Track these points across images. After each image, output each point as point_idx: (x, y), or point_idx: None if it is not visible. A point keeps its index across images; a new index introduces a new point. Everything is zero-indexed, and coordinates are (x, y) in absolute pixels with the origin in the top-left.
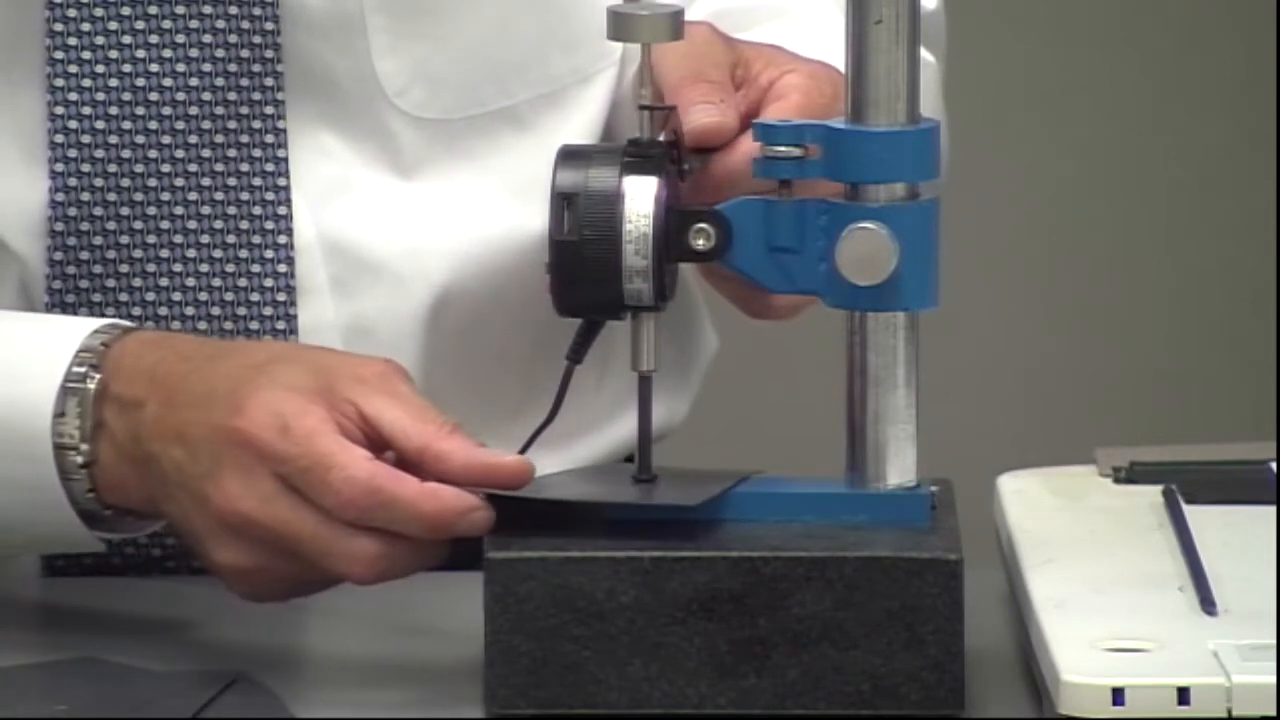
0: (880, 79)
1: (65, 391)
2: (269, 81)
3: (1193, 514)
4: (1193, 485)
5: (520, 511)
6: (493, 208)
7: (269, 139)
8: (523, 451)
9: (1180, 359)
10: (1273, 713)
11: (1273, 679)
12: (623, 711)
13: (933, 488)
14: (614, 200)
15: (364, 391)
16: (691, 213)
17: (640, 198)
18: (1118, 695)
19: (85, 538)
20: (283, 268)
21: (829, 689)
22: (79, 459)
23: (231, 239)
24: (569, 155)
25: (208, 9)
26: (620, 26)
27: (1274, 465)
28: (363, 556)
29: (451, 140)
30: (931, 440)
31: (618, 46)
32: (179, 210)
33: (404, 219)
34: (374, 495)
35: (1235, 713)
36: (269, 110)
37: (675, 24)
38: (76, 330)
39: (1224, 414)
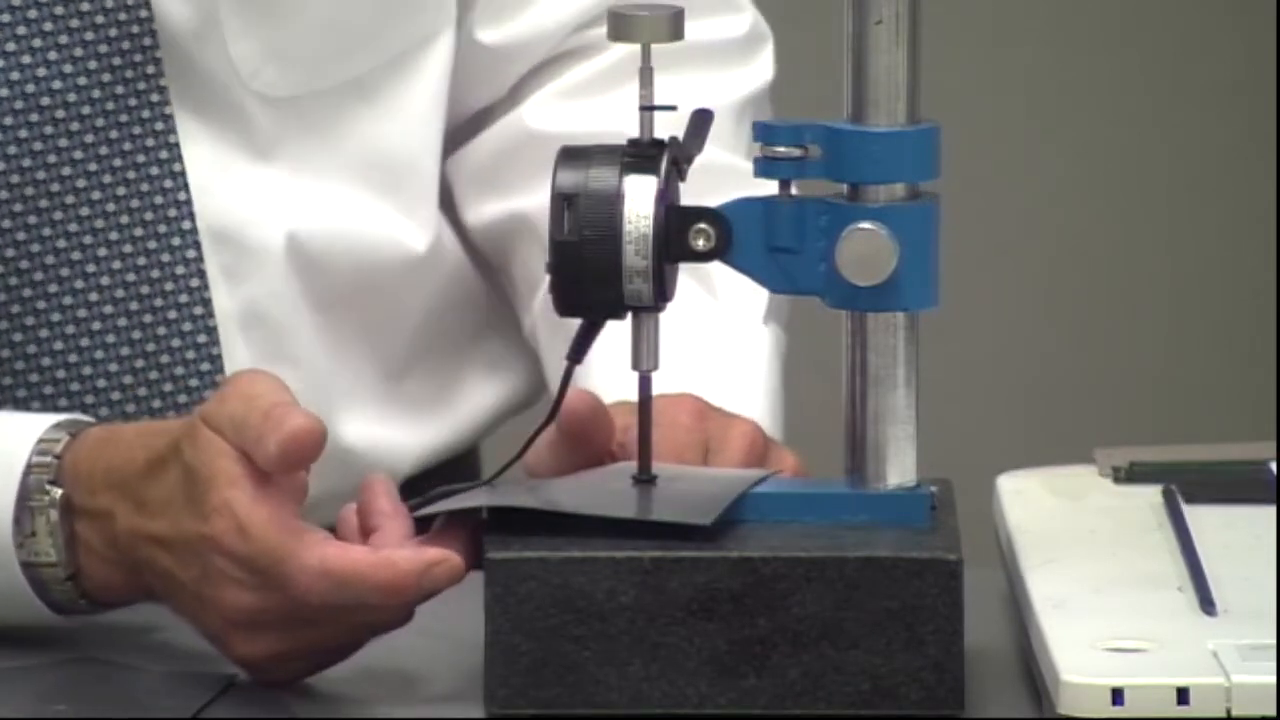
0: (880, 79)
1: (29, 511)
2: (150, 70)
3: (1192, 514)
4: (1192, 485)
5: (523, 518)
6: (347, 184)
7: (159, 126)
8: (522, 452)
9: (1180, 359)
10: (1272, 713)
11: (1272, 679)
12: (623, 711)
13: (933, 488)
14: (614, 200)
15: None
16: (691, 213)
17: (640, 198)
18: (1117, 695)
19: (55, 620)
20: (191, 253)
21: (829, 689)
22: (61, 573)
23: (139, 231)
24: (569, 155)
25: (85, 5)
26: (620, 27)
27: (1274, 465)
28: None
29: (303, 118)
30: (931, 440)
31: (453, 6)
32: (85, 212)
33: (270, 201)
34: (328, 578)
35: (1235, 713)
36: (154, 98)
37: (675, 24)
38: (22, 440)
39: (1224, 414)
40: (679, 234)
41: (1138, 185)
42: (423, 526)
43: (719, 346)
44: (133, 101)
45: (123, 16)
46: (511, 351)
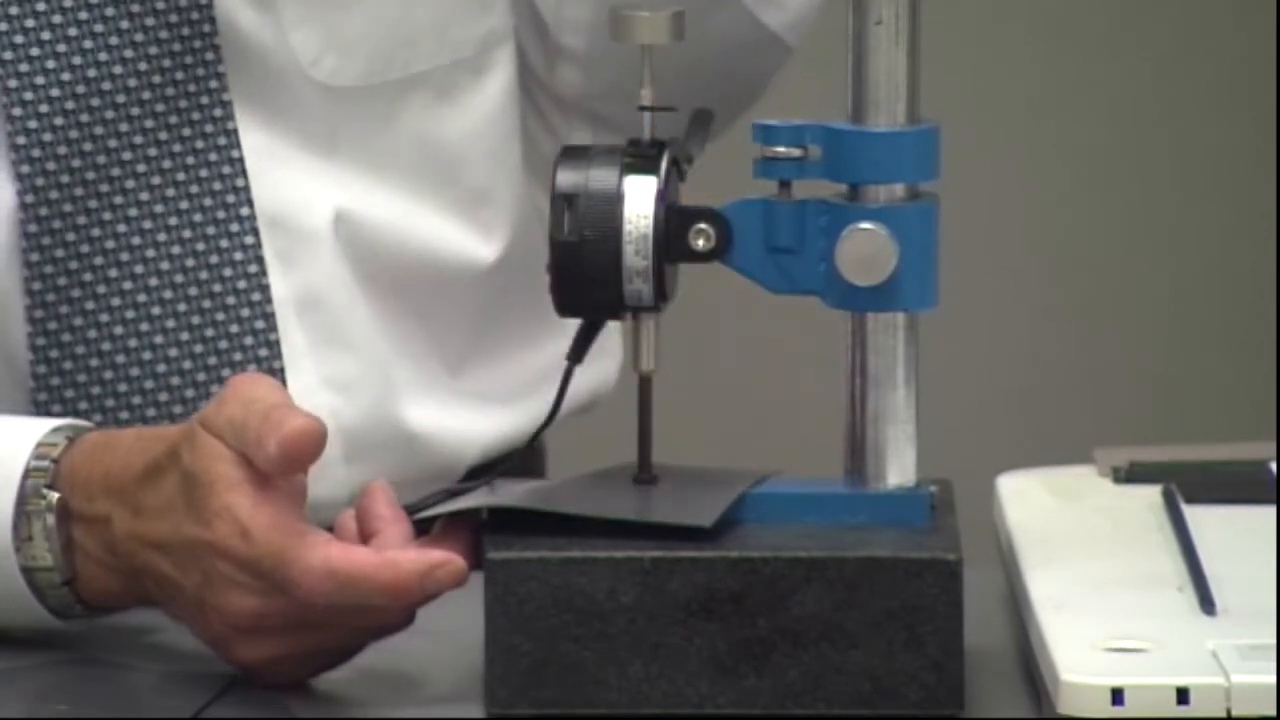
0: (880, 79)
1: (26, 515)
2: (209, 56)
3: (1192, 514)
4: (1192, 485)
5: (523, 519)
6: (402, 179)
7: (217, 113)
8: (530, 445)
9: (1180, 359)
10: (1272, 713)
11: (1272, 679)
12: (623, 711)
13: (932, 488)
14: (614, 201)
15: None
16: (692, 213)
17: (640, 198)
18: (1117, 695)
19: (56, 624)
20: (250, 239)
21: (829, 689)
22: (58, 577)
23: (198, 217)
24: (569, 155)
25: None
26: (620, 27)
27: (1274, 465)
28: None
29: (361, 109)
30: (931, 440)
31: (518, 9)
32: (144, 196)
33: (325, 189)
34: (332, 579)
35: (1235, 713)
36: (213, 84)
37: (675, 24)
38: (20, 444)
39: (1224, 414)
40: (679, 234)
41: (1138, 185)
42: (422, 530)
43: None
44: (192, 88)
45: (183, 2)
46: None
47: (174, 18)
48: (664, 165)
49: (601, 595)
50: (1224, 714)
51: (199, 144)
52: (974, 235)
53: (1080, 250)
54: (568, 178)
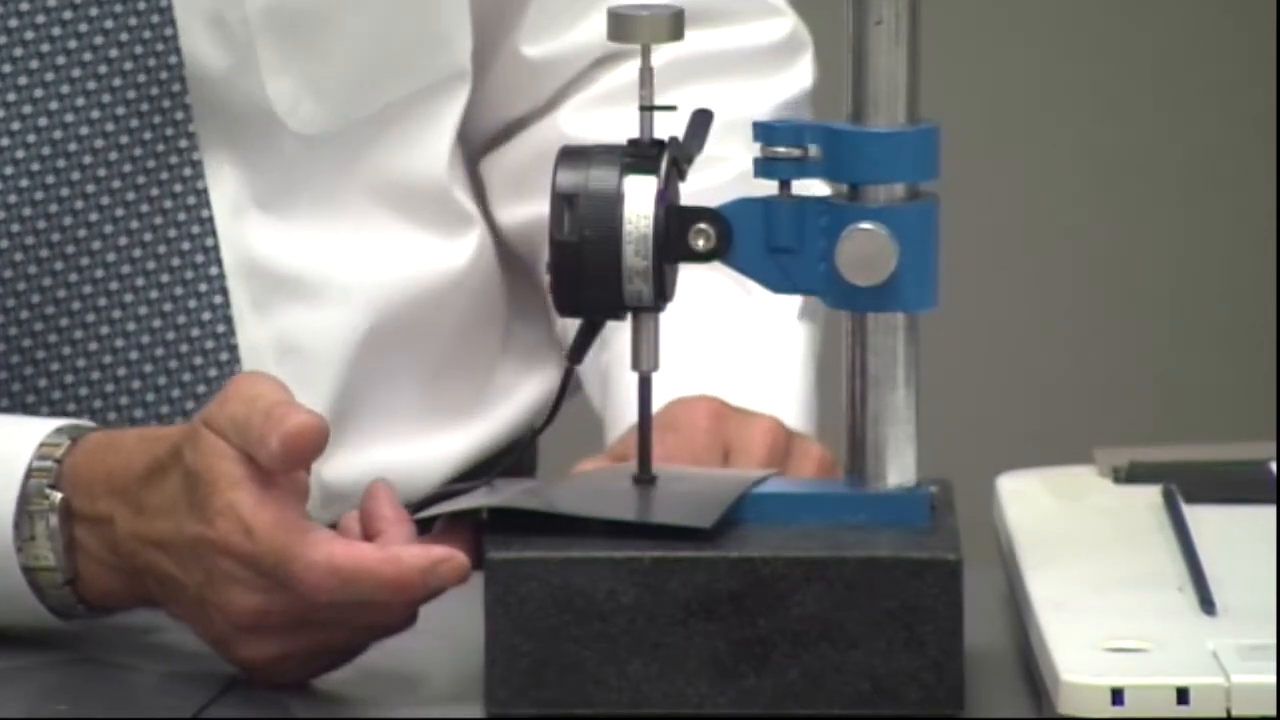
0: (880, 79)
1: (28, 515)
2: (179, 116)
3: (1192, 514)
4: (1192, 485)
5: (523, 519)
6: (378, 211)
7: (187, 172)
8: (525, 450)
9: (1180, 359)
10: (1272, 713)
11: (1272, 679)
12: (623, 711)
13: (932, 488)
14: (614, 201)
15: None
16: (691, 213)
17: (640, 198)
18: (1117, 695)
19: (56, 623)
20: (218, 298)
21: (829, 689)
22: (59, 577)
23: (165, 278)
24: (569, 156)
25: (113, 53)
26: (620, 27)
27: (1274, 465)
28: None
29: (335, 149)
30: (931, 440)
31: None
32: (110, 258)
33: (302, 232)
34: (336, 575)
35: (1235, 713)
36: (183, 144)
37: (675, 24)
38: (23, 444)
39: (1224, 414)
40: (679, 234)
41: (1138, 185)
42: (423, 530)
43: (752, 344)
44: (160, 148)
45: (151, 62)
46: (544, 346)
47: (142, 78)
48: (664, 165)
49: (601, 595)
50: (1224, 714)
51: (167, 204)
52: (974, 235)
53: (1080, 250)
54: (568, 178)
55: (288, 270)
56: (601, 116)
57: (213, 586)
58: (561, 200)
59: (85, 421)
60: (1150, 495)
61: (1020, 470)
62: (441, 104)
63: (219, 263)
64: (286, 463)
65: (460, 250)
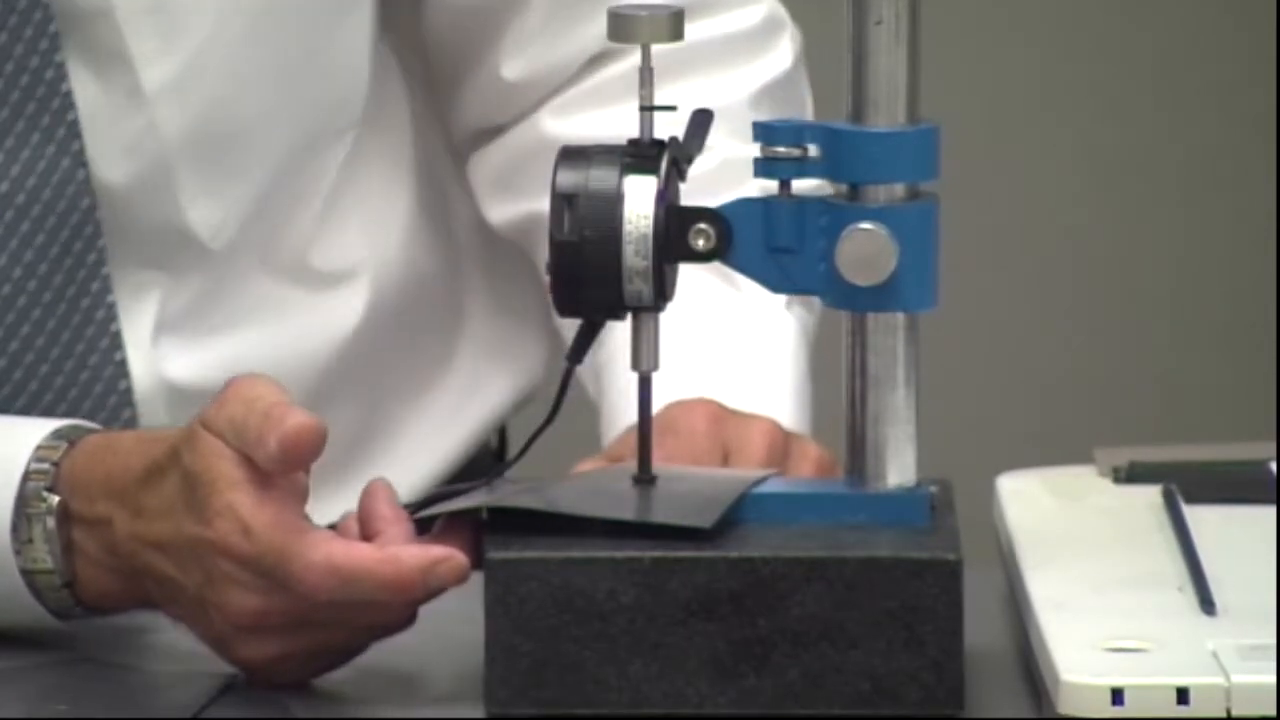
0: (880, 79)
1: (26, 518)
2: (92, 258)
3: (1192, 514)
4: (1192, 485)
5: (523, 519)
6: (280, 295)
7: (94, 286)
8: (522, 453)
9: (1180, 359)
10: (1272, 713)
11: (1272, 679)
12: (623, 711)
13: (933, 488)
14: (614, 201)
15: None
16: (691, 213)
17: (640, 198)
18: (1117, 695)
19: (56, 624)
20: (127, 412)
21: (829, 689)
22: (57, 580)
23: (74, 393)
24: (569, 155)
25: (31, 181)
26: (620, 27)
27: (1274, 465)
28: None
29: (247, 253)
30: (931, 440)
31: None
32: (17, 375)
33: (220, 350)
34: (335, 575)
35: (1235, 713)
36: (95, 286)
37: (675, 24)
38: (21, 447)
39: (1224, 414)
40: (679, 234)
41: (1138, 185)
42: (422, 530)
43: (741, 341)
44: (71, 291)
45: (61, 206)
46: (513, 340)
47: (52, 221)
48: (664, 165)
49: (601, 595)
50: (1224, 714)
51: (74, 319)
52: (974, 235)
53: (1080, 250)
54: (568, 178)
55: (201, 386)
56: (583, 116)
57: (212, 587)
58: (561, 200)
59: (83, 421)
60: (1150, 495)
61: (1020, 470)
62: (325, 169)
63: (127, 375)
64: (285, 464)
65: (340, 305)
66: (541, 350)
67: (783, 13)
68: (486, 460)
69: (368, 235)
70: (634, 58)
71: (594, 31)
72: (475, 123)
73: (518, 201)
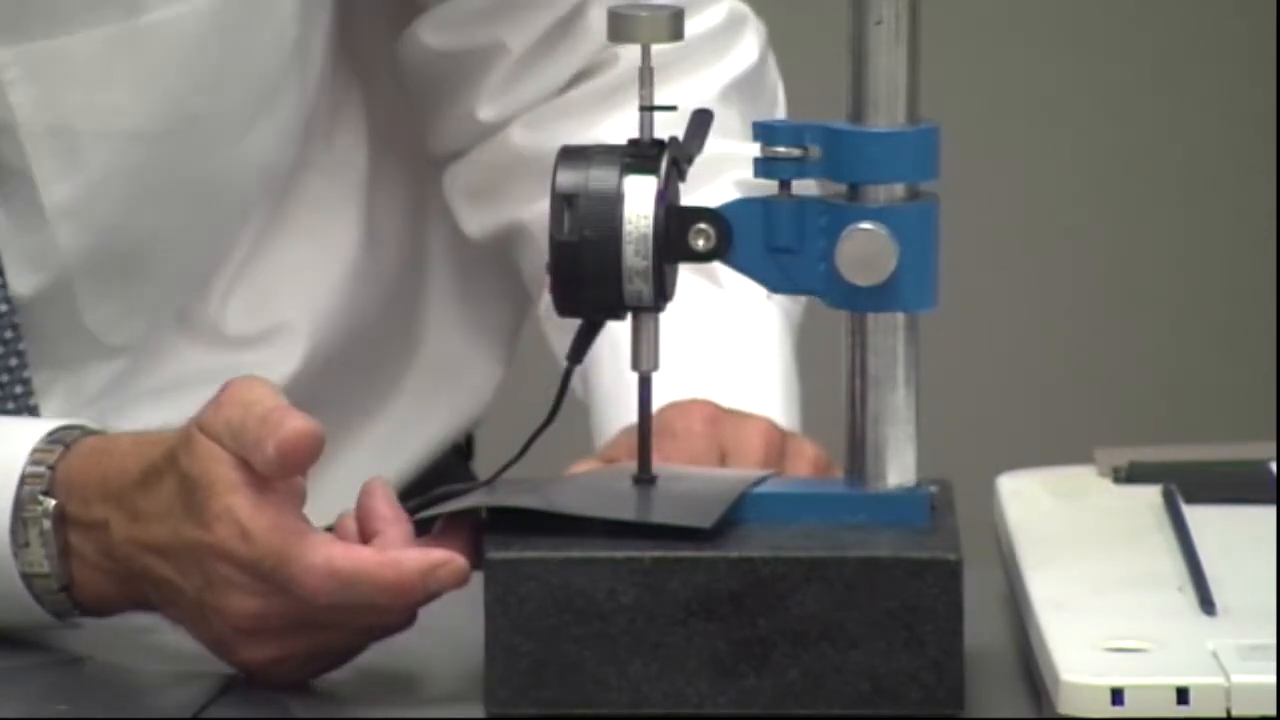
0: (880, 79)
1: (23, 522)
2: (9, 335)
3: (1192, 514)
4: (1192, 485)
5: (523, 519)
6: (217, 363)
7: (18, 390)
8: (521, 453)
9: (1180, 359)
10: (1272, 713)
11: (1272, 679)
12: (623, 711)
13: (933, 488)
14: (614, 201)
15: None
16: (691, 213)
17: (640, 198)
18: (1117, 695)
19: (55, 624)
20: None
21: (829, 689)
22: (54, 584)
23: None
24: (569, 155)
25: None
26: (620, 27)
27: (1274, 465)
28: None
29: (162, 338)
30: (931, 440)
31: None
32: None
33: (150, 420)
34: (335, 578)
35: (1235, 713)
36: (13, 362)
37: (675, 24)
38: (17, 450)
39: (1224, 414)
40: (679, 234)
41: (1138, 185)
42: (422, 529)
43: (727, 337)
44: None
45: None
46: (467, 354)
47: None
48: (664, 165)
49: (601, 595)
50: (1224, 714)
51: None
52: (974, 235)
53: (1080, 250)
54: (568, 178)
55: None
56: (552, 130)
57: (211, 590)
58: (561, 200)
59: (83, 421)
60: (1150, 495)
61: (1020, 470)
62: (240, 246)
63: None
64: (283, 468)
65: (273, 358)
66: (495, 370)
67: (743, 8)
68: (453, 463)
69: (300, 292)
70: (606, 74)
71: (569, 65)
72: (447, 149)
73: (495, 212)
